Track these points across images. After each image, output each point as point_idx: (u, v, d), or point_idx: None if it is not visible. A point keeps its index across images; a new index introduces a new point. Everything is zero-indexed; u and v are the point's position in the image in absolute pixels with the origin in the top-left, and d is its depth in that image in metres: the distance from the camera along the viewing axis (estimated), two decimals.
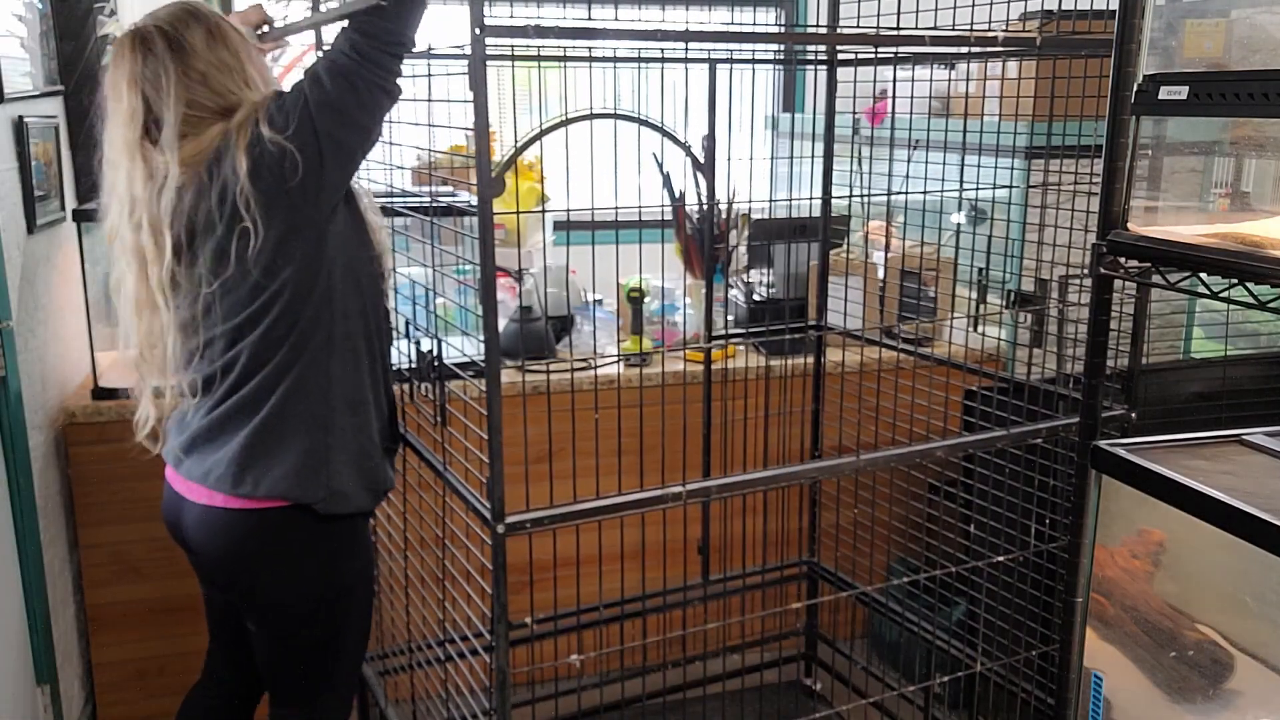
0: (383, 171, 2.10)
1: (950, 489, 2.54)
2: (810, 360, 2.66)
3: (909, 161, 2.22)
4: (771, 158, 3.54)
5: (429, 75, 1.81)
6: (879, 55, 2.18)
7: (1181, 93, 1.32)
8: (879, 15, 2.01)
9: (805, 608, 2.81)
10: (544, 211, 3.03)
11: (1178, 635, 1.33)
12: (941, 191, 2.16)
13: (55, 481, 2.41)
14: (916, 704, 2.39)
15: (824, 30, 2.67)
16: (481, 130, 1.48)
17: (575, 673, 2.29)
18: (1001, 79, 2.84)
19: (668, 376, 2.55)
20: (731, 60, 2.07)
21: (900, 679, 2.54)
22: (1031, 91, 2.57)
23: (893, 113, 2.27)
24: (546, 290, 2.81)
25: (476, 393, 1.66)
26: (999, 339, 2.75)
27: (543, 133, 1.89)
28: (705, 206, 2.24)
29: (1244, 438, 1.44)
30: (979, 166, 2.21)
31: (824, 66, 2.52)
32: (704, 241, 2.43)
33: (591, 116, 1.89)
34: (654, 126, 1.96)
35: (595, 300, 2.99)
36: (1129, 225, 1.42)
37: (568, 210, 1.94)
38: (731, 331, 2.80)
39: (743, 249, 2.96)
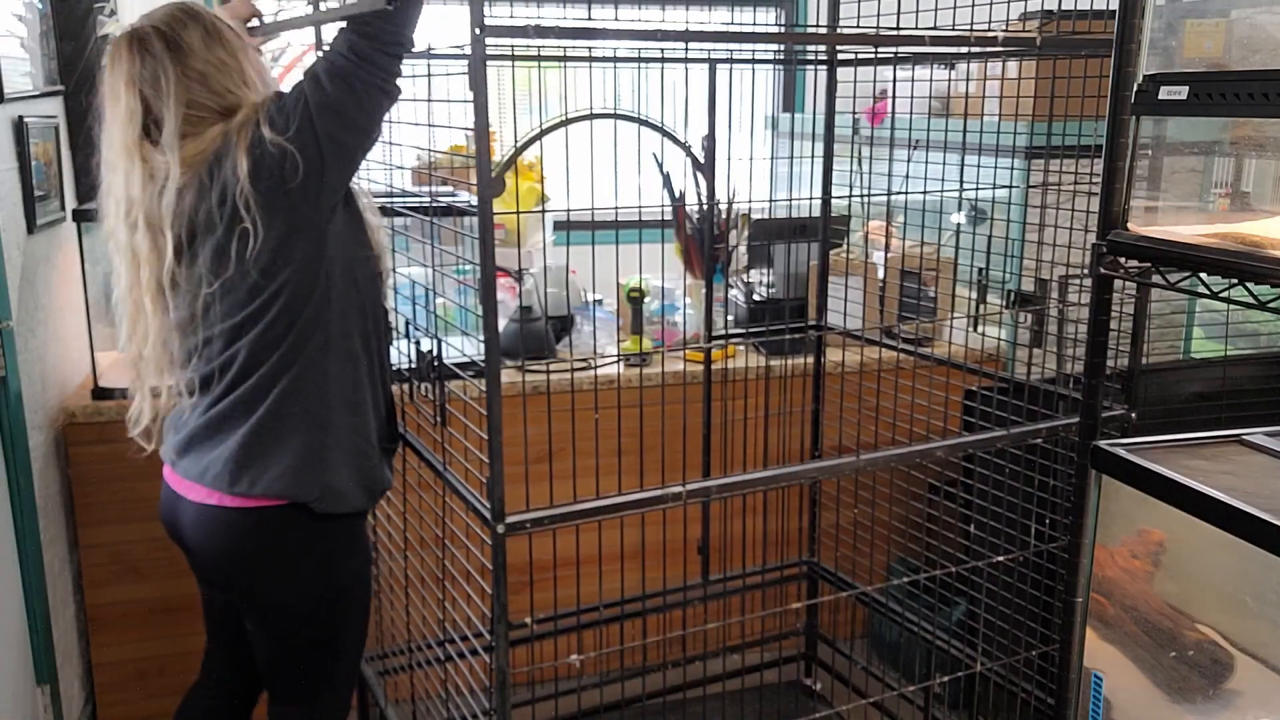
0: (383, 171, 2.10)
1: (950, 489, 2.54)
2: (810, 360, 2.66)
3: (909, 161, 2.22)
4: (771, 158, 3.54)
5: (429, 75, 1.81)
6: (879, 55, 2.18)
7: (1181, 93, 1.32)
8: (879, 15, 2.01)
9: (805, 608, 2.81)
10: (544, 211, 3.03)
11: (1178, 635, 1.33)
12: (941, 191, 2.16)
13: (55, 481, 2.41)
14: (916, 704, 2.39)
15: (824, 30, 2.67)
16: (481, 130, 1.48)
17: (575, 673, 2.28)
18: (1001, 79, 2.84)
19: (668, 376, 2.55)
20: (731, 60, 2.07)
21: (900, 679, 2.54)
22: (1031, 91, 2.57)
23: (893, 113, 2.27)
24: (546, 290, 2.81)
25: (476, 393, 1.66)
26: (999, 339, 2.75)
27: (543, 133, 1.89)
28: (705, 206, 2.24)
29: (1244, 438, 1.44)
30: (979, 166, 2.21)
31: (824, 66, 2.52)
32: (704, 241, 2.43)
33: (591, 116, 1.89)
34: (654, 126, 1.96)
35: (595, 300, 2.99)
36: (1129, 225, 1.42)
37: (568, 210, 1.94)
38: (731, 331, 2.80)
39: (743, 249, 2.96)
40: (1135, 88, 1.39)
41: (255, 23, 1.88)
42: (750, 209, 2.86)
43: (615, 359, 2.72)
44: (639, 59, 2.12)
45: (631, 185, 1.78)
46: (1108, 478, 1.43)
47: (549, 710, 2.51)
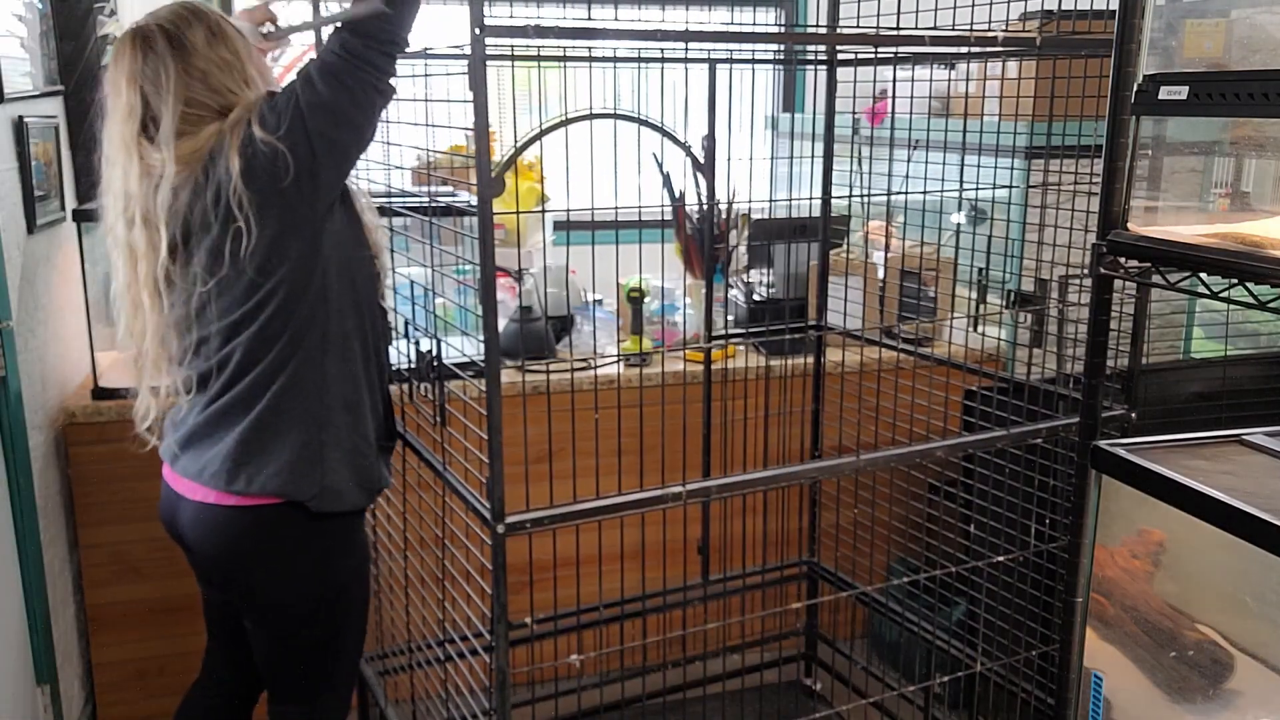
0: (383, 171, 2.10)
1: (950, 489, 2.54)
2: (810, 360, 2.66)
3: (909, 161, 2.22)
4: (771, 158, 3.54)
5: (428, 75, 1.81)
6: (879, 55, 2.18)
7: (1181, 93, 1.32)
8: (879, 15, 2.01)
9: (805, 608, 2.81)
10: (544, 211, 3.03)
11: (1178, 635, 1.33)
12: (941, 191, 2.16)
13: (55, 481, 2.41)
14: (916, 704, 2.39)
15: (824, 30, 2.67)
16: (481, 130, 1.48)
17: (575, 673, 2.28)
18: (1001, 79, 2.84)
19: (668, 376, 2.55)
20: (731, 60, 2.07)
21: (900, 679, 2.54)
22: (1031, 91, 2.57)
23: (893, 113, 2.27)
24: (546, 290, 2.81)
25: (476, 393, 1.66)
26: (999, 339, 2.75)
27: (543, 133, 1.89)
28: (705, 206, 2.24)
29: (1244, 438, 1.44)
30: (979, 166, 2.21)
31: (824, 66, 2.52)
32: (704, 241, 2.43)
33: (591, 116, 1.89)
34: (654, 126, 1.95)
35: (595, 300, 2.99)
36: (1129, 225, 1.42)
37: (568, 210, 1.94)
38: (731, 331, 2.81)
39: (743, 249, 2.96)
40: (1135, 88, 1.39)
41: (270, 28, 1.89)
42: (750, 209, 2.86)
43: (615, 359, 2.72)
44: (639, 59, 2.12)
45: (631, 185, 1.78)
46: (1108, 478, 1.43)
47: (549, 710, 2.51)
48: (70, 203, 2.59)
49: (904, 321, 2.73)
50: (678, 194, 2.61)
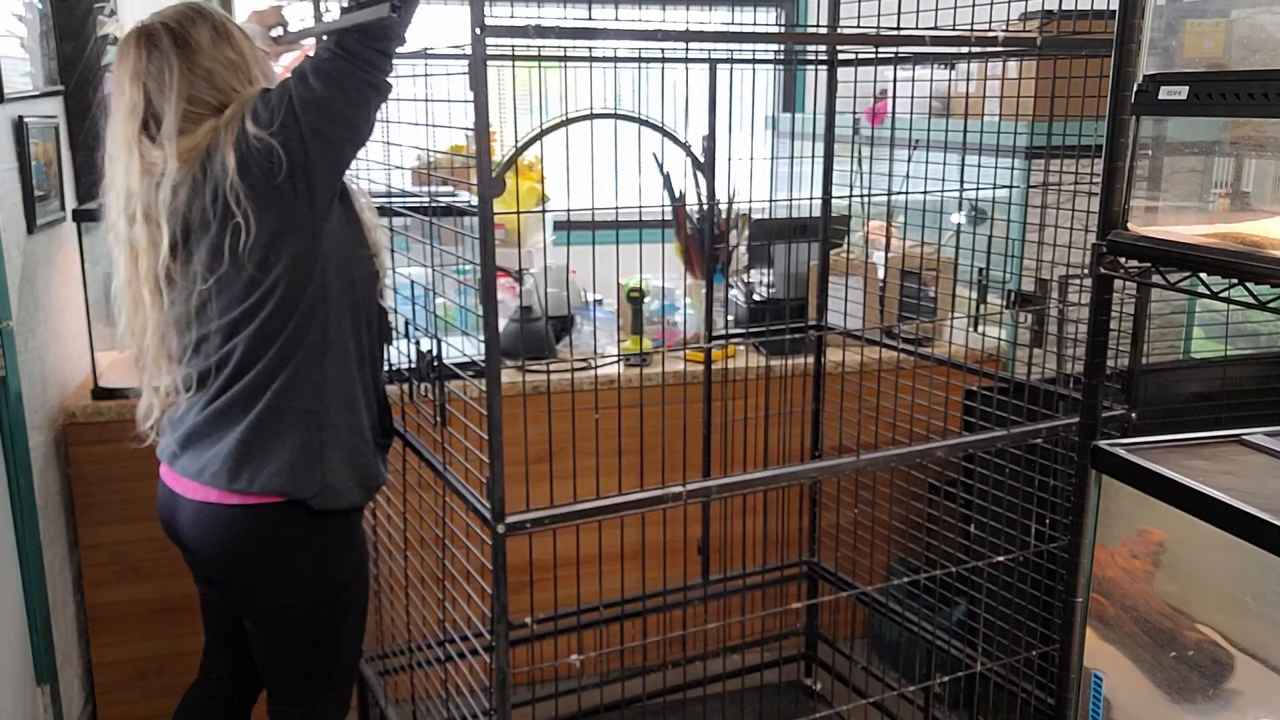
0: (383, 171, 2.10)
1: (950, 489, 2.54)
2: (810, 360, 2.66)
3: (909, 161, 2.22)
4: (771, 158, 3.54)
5: (429, 75, 1.81)
6: (879, 55, 2.18)
7: (1181, 93, 1.32)
8: (879, 15, 2.01)
9: (805, 608, 2.81)
10: (544, 211, 3.03)
11: (1178, 635, 1.33)
12: (941, 191, 2.16)
13: (55, 481, 2.41)
14: (916, 704, 2.39)
15: (824, 30, 2.67)
16: (482, 130, 1.48)
17: (575, 673, 2.28)
18: (1001, 79, 2.84)
19: (668, 376, 2.55)
20: (731, 60, 2.07)
21: (900, 679, 2.54)
22: (1031, 91, 2.56)
23: (893, 113, 2.27)
24: (546, 290, 2.81)
25: (476, 393, 1.66)
26: (999, 339, 2.74)
27: (543, 133, 1.89)
28: (705, 206, 2.24)
29: (1244, 438, 1.44)
30: (979, 166, 2.21)
31: (824, 66, 2.52)
32: (704, 241, 2.43)
33: (591, 116, 1.89)
34: (654, 126, 1.95)
35: (595, 300, 2.99)
36: (1129, 225, 1.42)
37: (568, 210, 1.94)
38: (731, 331, 2.80)
39: (743, 249, 2.96)
40: (1135, 88, 1.39)
41: (280, 32, 1.89)
42: (750, 209, 2.86)
43: (615, 359, 2.72)
44: (639, 59, 2.12)
45: (631, 185, 1.78)
46: (1108, 478, 1.43)
47: (549, 710, 2.51)
48: (70, 203, 2.59)
49: (904, 321, 2.73)
50: (678, 194, 2.60)
